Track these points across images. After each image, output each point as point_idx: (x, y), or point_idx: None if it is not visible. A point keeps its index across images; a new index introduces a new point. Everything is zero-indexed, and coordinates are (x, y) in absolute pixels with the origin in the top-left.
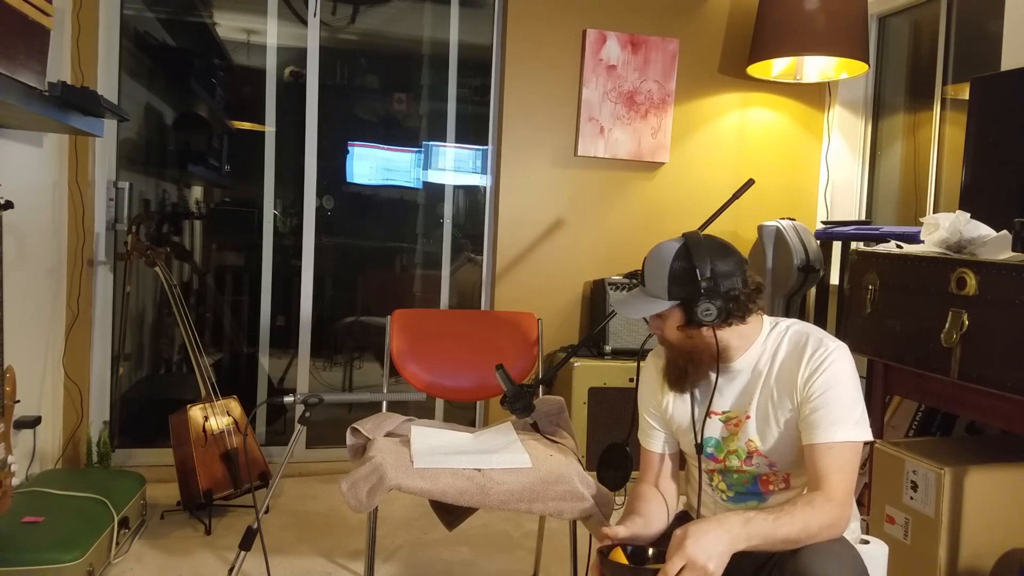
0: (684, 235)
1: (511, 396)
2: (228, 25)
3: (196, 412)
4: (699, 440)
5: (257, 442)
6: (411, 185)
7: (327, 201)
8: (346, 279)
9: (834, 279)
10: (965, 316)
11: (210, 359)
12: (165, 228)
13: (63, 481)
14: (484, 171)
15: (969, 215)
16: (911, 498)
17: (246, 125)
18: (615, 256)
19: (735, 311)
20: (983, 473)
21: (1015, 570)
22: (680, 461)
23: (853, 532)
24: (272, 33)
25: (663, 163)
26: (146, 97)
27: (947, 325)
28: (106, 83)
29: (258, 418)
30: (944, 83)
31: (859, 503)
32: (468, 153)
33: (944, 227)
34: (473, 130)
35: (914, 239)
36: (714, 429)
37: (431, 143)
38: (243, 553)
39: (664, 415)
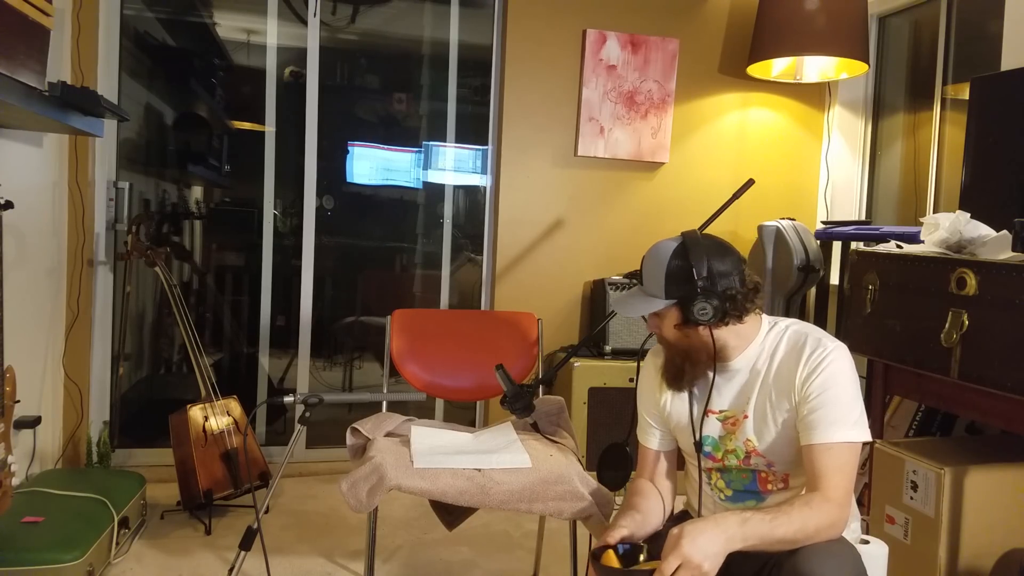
0: (682, 234)
1: (511, 396)
2: (228, 25)
3: (196, 412)
4: (697, 438)
5: (257, 442)
6: (411, 185)
7: (327, 201)
8: (346, 279)
9: (834, 279)
10: (965, 316)
11: (210, 359)
12: (165, 228)
13: (63, 481)
14: (484, 171)
15: (969, 215)
16: (911, 498)
17: (246, 125)
18: (615, 256)
19: (732, 310)
20: (983, 473)
21: (1015, 570)
22: (680, 461)
23: (853, 532)
24: (272, 33)
25: (663, 163)
26: (146, 97)
27: (947, 325)
28: (106, 83)
29: (258, 418)
30: (944, 83)
31: (859, 503)
32: (468, 153)
33: (944, 227)
34: (473, 130)
35: (914, 239)
36: (712, 428)
37: (431, 143)
38: (243, 553)
39: (662, 413)
